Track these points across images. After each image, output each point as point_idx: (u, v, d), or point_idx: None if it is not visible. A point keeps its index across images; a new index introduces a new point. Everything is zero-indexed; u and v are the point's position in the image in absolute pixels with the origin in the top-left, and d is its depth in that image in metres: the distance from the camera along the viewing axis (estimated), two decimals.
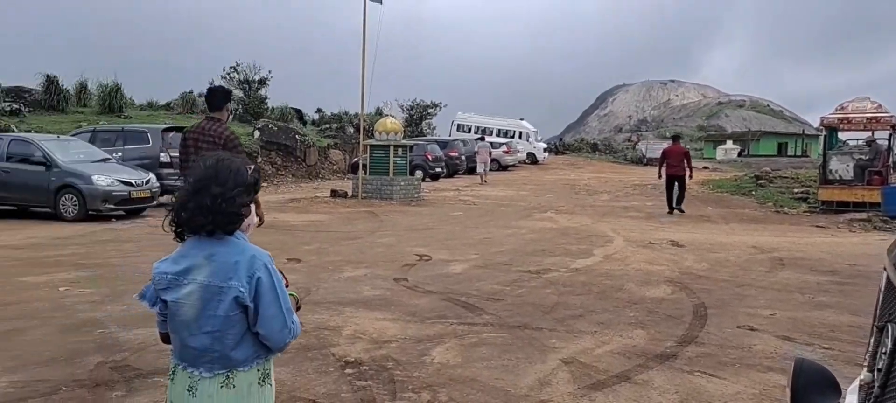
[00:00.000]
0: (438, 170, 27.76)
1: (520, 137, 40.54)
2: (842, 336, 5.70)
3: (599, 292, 7.33)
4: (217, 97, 5.78)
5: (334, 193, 18.31)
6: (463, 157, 30.75)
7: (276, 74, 35.88)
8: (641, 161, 46.47)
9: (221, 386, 2.01)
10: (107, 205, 12.98)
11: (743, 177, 27.46)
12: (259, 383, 2.08)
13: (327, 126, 35.63)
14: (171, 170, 15.44)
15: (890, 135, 18.30)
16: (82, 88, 28.81)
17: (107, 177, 13.21)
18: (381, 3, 17.52)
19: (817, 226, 14.94)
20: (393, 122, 19.67)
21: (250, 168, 2.16)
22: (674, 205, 16.31)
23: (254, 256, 2.01)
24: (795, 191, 21.87)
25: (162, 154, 15.73)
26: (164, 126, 17.23)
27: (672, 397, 4.28)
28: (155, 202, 14.23)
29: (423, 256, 9.37)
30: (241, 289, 1.96)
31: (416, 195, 18.84)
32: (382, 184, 18.40)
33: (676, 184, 16.31)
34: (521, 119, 43.24)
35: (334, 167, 29.15)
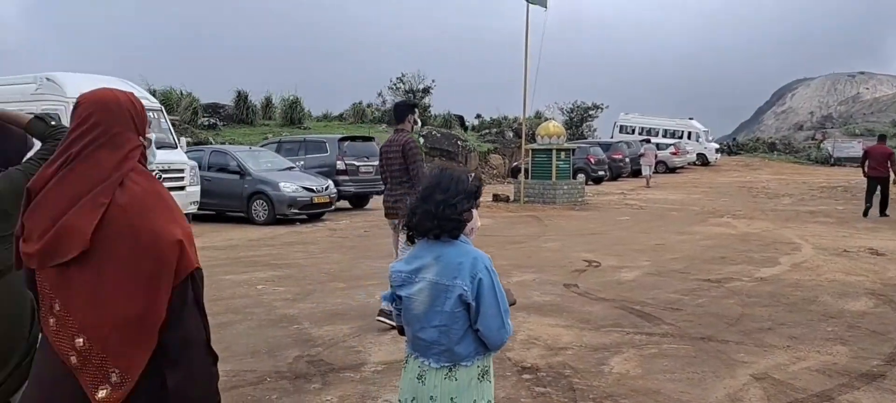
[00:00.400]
0: (601, 173, 27.13)
1: (689, 138, 38.57)
2: None
3: (790, 304, 6.79)
4: (400, 110, 6.20)
5: (496, 197, 18.50)
6: (627, 160, 29.81)
7: (438, 82, 37.06)
8: (828, 161, 42.49)
9: (445, 378, 2.18)
10: (292, 210, 14.02)
11: None
12: (478, 378, 2.23)
13: (487, 131, 36.12)
14: (346, 177, 16.43)
15: None
16: (268, 103, 31.47)
17: (292, 184, 14.28)
18: (545, 7, 17.45)
19: None
20: (555, 126, 19.55)
21: (471, 176, 2.31)
22: (870, 209, 14.94)
23: (476, 258, 2.18)
24: None
25: (338, 162, 16.70)
26: (340, 136, 18.31)
27: None
28: (333, 207, 15.18)
29: (591, 262, 9.21)
30: (465, 288, 2.13)
31: (579, 199, 18.56)
32: (545, 188, 18.31)
33: (879, 187, 14.94)
34: (690, 118, 41.11)
35: (494, 171, 29.46)
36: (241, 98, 29.68)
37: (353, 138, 18.21)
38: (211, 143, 20.29)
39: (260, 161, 15.46)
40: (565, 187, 18.41)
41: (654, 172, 27.51)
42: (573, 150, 20.35)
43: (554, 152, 18.47)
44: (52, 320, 1.79)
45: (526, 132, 19.87)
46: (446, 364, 2.18)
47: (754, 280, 8.00)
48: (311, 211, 14.55)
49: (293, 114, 30.09)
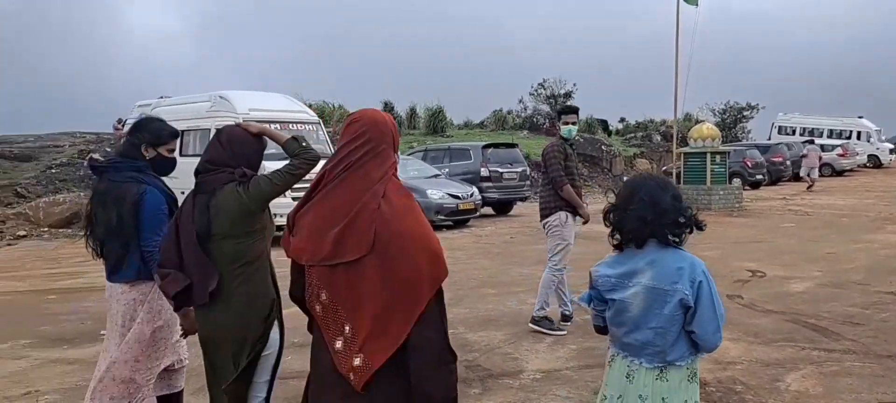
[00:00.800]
0: (759, 176, 25.45)
1: (858, 138, 35.28)
2: None
3: None
4: (553, 118, 6.40)
5: None
6: (788, 162, 27.75)
7: (579, 86, 36.47)
8: None
9: (657, 378, 2.25)
10: (439, 217, 14.36)
11: None
12: (688, 379, 2.28)
13: (632, 135, 35.05)
14: (490, 184, 16.58)
15: None
16: (412, 112, 32.48)
17: (439, 191, 14.63)
18: (696, 5, 16.69)
19: None
20: (709, 128, 18.58)
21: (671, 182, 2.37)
22: None
23: (694, 264, 2.22)
24: None
25: (482, 169, 16.89)
26: (484, 143, 18.52)
27: None
28: (477, 213, 15.36)
29: (755, 272, 8.66)
30: (686, 293, 2.17)
31: (737, 204, 17.52)
32: (698, 193, 17.46)
33: None
34: (860, 116, 37.56)
35: (609, 186, 28.46)
36: (387, 109, 30.84)
37: (496, 145, 18.36)
38: None
39: (408, 169, 15.96)
40: (721, 192, 17.45)
41: (820, 175, 25.40)
42: (728, 153, 19.26)
43: (708, 155, 17.58)
44: (318, 307, 2.09)
45: (677, 135, 19.05)
46: (658, 365, 2.25)
47: None
48: (457, 218, 14.81)
49: (436, 123, 30.82)
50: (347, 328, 2.03)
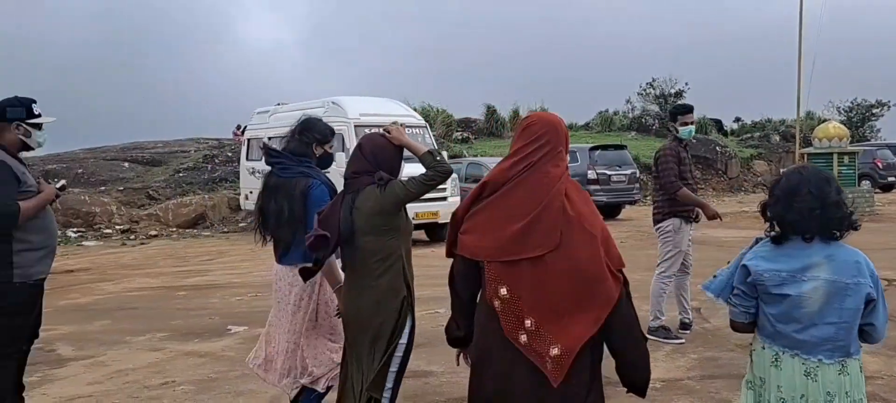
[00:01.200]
0: (891, 178, 23.56)
1: None
2: None
3: None
4: (665, 120, 6.23)
5: (765, 209, 16.91)
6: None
7: (691, 84, 35.07)
8: None
9: (839, 373, 2.25)
10: None
11: None
12: (860, 370, 2.31)
13: (748, 135, 33.33)
14: (598, 186, 16.23)
15: None
16: (515, 115, 32.30)
17: None
18: None
19: None
20: (836, 127, 17.37)
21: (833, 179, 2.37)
22: None
23: (865, 257, 2.26)
24: None
25: (589, 171, 16.57)
26: (591, 145, 18.18)
27: None
28: None
29: (892, 281, 8.01)
30: (871, 286, 2.22)
31: (867, 208, 16.27)
32: None
33: None
34: None
35: (758, 179, 27.04)
36: (490, 112, 30.86)
37: (604, 147, 17.98)
38: (466, 157, 21.37)
39: None
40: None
41: None
42: (857, 154, 17.94)
43: (835, 156, 16.44)
44: (497, 302, 2.19)
45: (800, 135, 17.96)
46: (839, 360, 2.25)
47: None
48: None
49: None
50: (529, 321, 2.14)
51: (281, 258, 3.60)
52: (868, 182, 20.96)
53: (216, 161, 22.17)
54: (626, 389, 2.36)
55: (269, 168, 3.65)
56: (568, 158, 2.33)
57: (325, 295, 3.57)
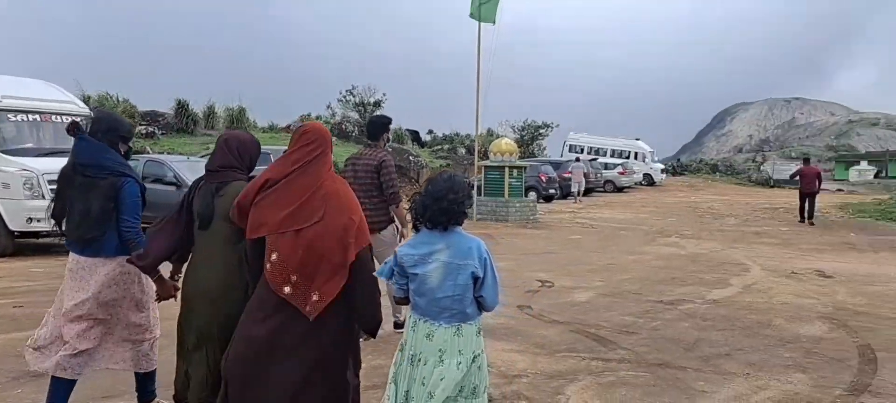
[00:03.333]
0: (552, 191, 27.14)
1: (635, 158, 39.18)
2: None
3: (745, 327, 6.67)
4: (374, 127, 6.17)
5: None
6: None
7: (390, 96, 36.60)
8: (768, 182, 43.72)
9: (454, 334, 2.78)
10: None
11: (888, 200, 25.08)
12: (476, 333, 2.85)
13: (439, 147, 35.90)
14: None
15: None
16: (210, 112, 30.51)
17: None
18: (493, 22, 17.36)
19: None
20: (508, 143, 19.39)
21: (467, 180, 3.02)
22: (805, 217, 19.18)
23: (479, 244, 2.82)
24: None
25: None
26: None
27: None
28: None
29: (545, 282, 8.98)
30: (476, 266, 2.76)
31: (531, 217, 18.41)
32: (497, 205, 18.13)
33: (808, 199, 19.24)
34: (637, 139, 41.79)
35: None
36: (182, 106, 28.68)
37: None
38: (148, 153, 19.44)
39: (199, 171, 14.78)
40: (518, 205, 18.24)
41: (582, 190, 27.65)
42: (525, 168, 20.24)
43: (506, 170, 18.31)
44: (268, 265, 2.76)
45: (478, 149, 19.65)
46: (455, 324, 2.78)
47: (707, 302, 7.89)
48: None
49: (238, 125, 29.22)
50: (294, 277, 2.72)
51: (83, 250, 3.70)
52: (534, 193, 23.82)
53: None
54: (364, 333, 2.98)
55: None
56: (332, 157, 2.97)
57: (133, 289, 3.77)
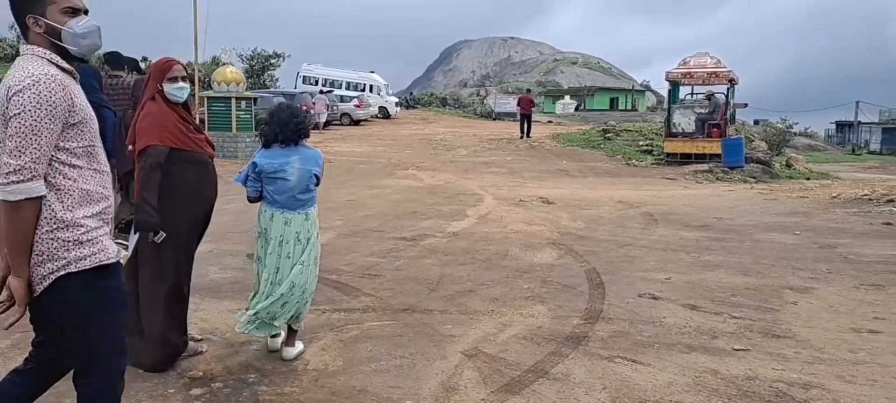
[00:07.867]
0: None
1: (371, 91, 39.22)
2: (745, 301, 5.38)
3: (484, 260, 6.63)
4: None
5: None
6: (312, 111, 29.00)
7: (98, 18, 31.75)
8: (491, 115, 46.90)
9: (304, 219, 3.90)
10: None
11: (590, 130, 28.21)
12: (315, 217, 4.01)
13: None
14: None
15: (727, 89, 19.26)
16: None
17: None
18: None
19: (667, 178, 15.38)
20: (234, 72, 17.73)
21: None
22: (523, 134, 24.52)
23: (318, 153, 3.99)
24: (641, 143, 22.69)
25: None
26: None
27: (601, 395, 3.61)
28: None
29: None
30: (318, 170, 3.94)
31: None
32: (225, 140, 16.60)
33: (525, 120, 25.11)
34: (372, 72, 41.79)
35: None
36: None
37: None
38: None
39: None
40: (248, 140, 16.90)
41: (341, 123, 27.31)
42: (255, 100, 18.80)
43: (234, 101, 16.79)
44: None
45: (199, 78, 17.76)
46: (303, 212, 3.89)
47: (447, 235, 7.79)
48: None
49: None
50: None
51: None
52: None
53: None
54: None
55: None
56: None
57: None
